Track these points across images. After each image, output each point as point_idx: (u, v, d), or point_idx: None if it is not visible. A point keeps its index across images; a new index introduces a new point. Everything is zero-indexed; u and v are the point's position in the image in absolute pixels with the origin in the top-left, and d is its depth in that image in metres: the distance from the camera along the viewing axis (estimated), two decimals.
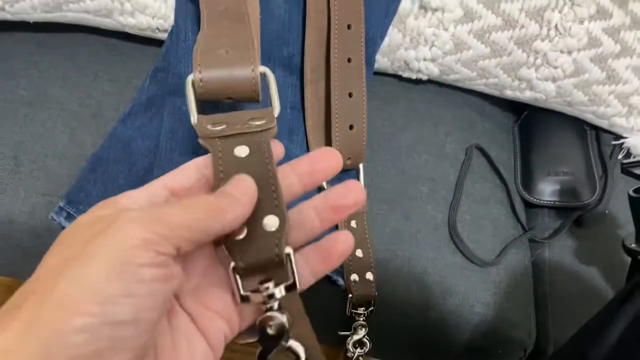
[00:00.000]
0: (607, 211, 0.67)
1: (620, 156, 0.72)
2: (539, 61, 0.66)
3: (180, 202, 0.29)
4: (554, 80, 0.67)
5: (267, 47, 0.59)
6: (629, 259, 0.59)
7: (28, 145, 0.56)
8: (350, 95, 0.58)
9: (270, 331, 0.30)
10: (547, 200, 0.68)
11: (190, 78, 0.41)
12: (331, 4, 0.57)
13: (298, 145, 0.60)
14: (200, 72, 0.41)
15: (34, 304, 0.24)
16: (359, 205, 0.34)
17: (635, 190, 0.56)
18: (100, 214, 0.28)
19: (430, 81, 0.71)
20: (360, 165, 0.59)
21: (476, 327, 0.57)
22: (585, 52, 0.65)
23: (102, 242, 0.25)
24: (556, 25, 0.64)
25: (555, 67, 0.66)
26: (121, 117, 0.59)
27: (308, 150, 0.60)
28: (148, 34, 0.61)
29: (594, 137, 0.73)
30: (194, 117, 0.38)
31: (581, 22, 0.64)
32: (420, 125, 0.67)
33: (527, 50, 0.65)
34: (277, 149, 0.36)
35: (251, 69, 0.42)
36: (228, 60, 0.42)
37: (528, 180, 0.70)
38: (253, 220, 0.30)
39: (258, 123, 0.36)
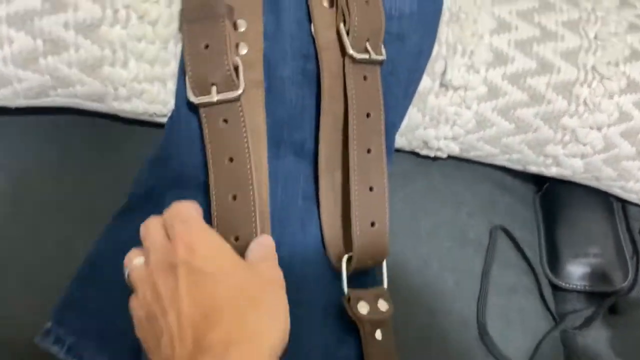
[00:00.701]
0: None
1: None
2: (567, 138, 0.61)
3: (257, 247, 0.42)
4: (582, 157, 0.63)
5: (276, 133, 0.54)
6: None
7: (6, 251, 0.50)
8: (371, 189, 0.52)
9: None
10: (577, 285, 0.64)
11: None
12: (348, 92, 0.52)
13: (312, 238, 0.55)
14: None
15: None
16: None
17: None
18: None
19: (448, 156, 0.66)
20: (384, 264, 0.53)
21: None
22: (616, 127, 0.61)
23: (275, 298, 0.37)
24: (585, 101, 0.60)
25: (584, 144, 0.61)
26: (117, 212, 0.53)
27: (323, 244, 0.54)
28: (145, 118, 0.56)
29: (620, 210, 0.69)
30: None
31: (611, 97, 0.60)
32: (440, 207, 0.63)
33: (554, 126, 0.61)
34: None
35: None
36: None
37: (555, 263, 0.65)
38: None
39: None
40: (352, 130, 0.52)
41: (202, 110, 0.51)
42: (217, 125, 0.51)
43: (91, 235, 0.52)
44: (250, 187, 0.49)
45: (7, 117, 0.57)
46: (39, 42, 0.49)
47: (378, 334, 0.51)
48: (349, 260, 0.52)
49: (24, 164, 0.55)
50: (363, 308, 0.50)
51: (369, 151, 0.52)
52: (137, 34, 0.50)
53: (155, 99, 0.53)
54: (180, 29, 0.51)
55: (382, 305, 0.50)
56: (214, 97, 0.50)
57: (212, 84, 0.50)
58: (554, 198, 0.70)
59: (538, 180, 0.73)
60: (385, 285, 0.52)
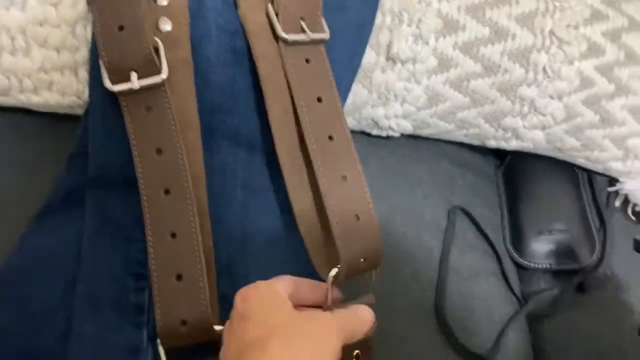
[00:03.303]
0: (609, 272, 0.59)
1: (617, 203, 0.65)
2: (525, 109, 0.57)
3: (350, 312, 0.41)
4: (543, 128, 0.59)
5: (207, 120, 0.49)
6: None
7: None
8: (344, 178, 0.47)
9: None
10: (542, 263, 0.60)
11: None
12: (290, 79, 0.47)
13: (255, 232, 0.50)
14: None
15: None
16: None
17: None
18: (294, 316, 0.36)
19: (402, 135, 0.62)
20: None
21: None
22: (577, 95, 0.57)
23: (313, 344, 0.34)
24: (544, 68, 0.56)
25: (544, 115, 0.57)
26: (36, 215, 0.48)
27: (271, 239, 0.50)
28: (62, 111, 0.50)
29: (586, 181, 0.65)
30: None
31: (571, 63, 0.56)
32: (394, 190, 0.58)
33: (511, 97, 0.57)
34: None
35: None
36: None
37: (518, 241, 0.61)
38: None
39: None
40: (304, 120, 0.46)
41: (121, 99, 0.45)
42: (140, 115, 0.45)
43: (4, 242, 0.47)
44: (185, 179, 0.44)
45: None
46: None
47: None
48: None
49: None
50: None
51: (330, 138, 0.47)
52: (37, 17, 0.44)
53: (66, 90, 0.48)
54: (89, 9, 0.46)
55: None
56: (135, 84, 0.44)
57: (131, 70, 0.44)
58: (516, 172, 0.66)
59: (499, 154, 0.69)
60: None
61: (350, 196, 0.46)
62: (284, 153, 0.48)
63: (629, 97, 0.58)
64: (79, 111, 0.50)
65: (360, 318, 0.41)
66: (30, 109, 0.50)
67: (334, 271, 0.43)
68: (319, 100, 0.48)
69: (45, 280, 0.45)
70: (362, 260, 0.45)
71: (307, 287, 0.42)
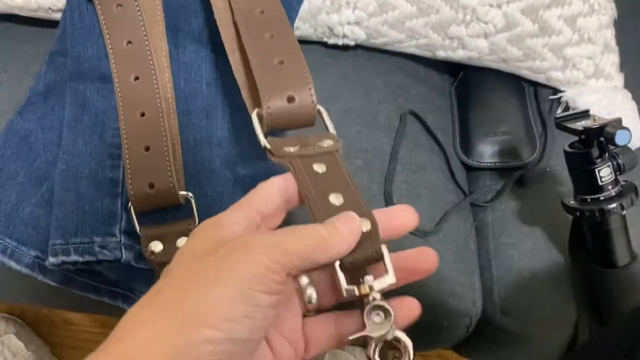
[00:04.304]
0: (548, 169, 0.65)
1: (558, 111, 0.70)
2: (468, 17, 0.63)
3: (294, 229, 0.31)
4: (485, 36, 0.64)
5: (172, 18, 0.54)
6: (571, 217, 0.57)
7: None
8: (281, 62, 0.48)
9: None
10: (487, 162, 0.66)
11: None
12: None
13: (218, 126, 0.56)
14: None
15: (162, 315, 0.27)
16: (430, 272, 0.35)
17: (570, 145, 0.54)
18: (219, 235, 0.31)
19: (359, 46, 0.67)
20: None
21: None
22: (515, 4, 0.62)
23: (231, 267, 0.28)
24: None
25: (485, 22, 0.63)
26: (18, 108, 0.54)
27: (233, 131, 0.55)
28: (42, 15, 0.56)
29: (532, 93, 0.71)
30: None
31: None
32: (351, 95, 0.64)
33: (455, 6, 0.62)
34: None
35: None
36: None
37: (466, 143, 0.67)
38: None
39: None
40: (243, 30, 0.50)
41: None
42: (112, 11, 0.51)
43: None
44: (151, 66, 0.50)
45: None
46: None
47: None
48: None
49: None
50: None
51: (272, 37, 0.51)
52: None
53: None
54: None
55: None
56: None
57: None
58: (468, 86, 0.72)
59: (453, 71, 0.74)
60: (332, 129, 0.44)
61: (286, 78, 0.46)
62: (227, 39, 0.52)
63: (565, 7, 0.64)
64: (58, 16, 0.56)
65: (309, 236, 0.31)
66: (15, 13, 0.56)
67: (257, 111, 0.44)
68: (262, 13, 0.51)
69: (28, 156, 0.51)
70: (287, 99, 0.45)
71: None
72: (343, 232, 0.32)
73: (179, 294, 0.28)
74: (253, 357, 0.31)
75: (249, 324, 0.28)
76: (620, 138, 0.46)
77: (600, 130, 0.48)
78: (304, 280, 0.33)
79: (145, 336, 0.27)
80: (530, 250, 0.60)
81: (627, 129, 0.46)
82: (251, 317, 0.28)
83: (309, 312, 0.34)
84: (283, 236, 0.30)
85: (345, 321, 0.34)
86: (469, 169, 0.68)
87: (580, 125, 0.51)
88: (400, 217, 0.35)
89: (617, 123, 0.47)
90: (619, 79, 0.68)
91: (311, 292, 0.33)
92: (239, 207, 0.33)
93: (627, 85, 0.69)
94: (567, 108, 0.70)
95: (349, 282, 0.33)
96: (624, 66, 0.69)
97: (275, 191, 0.35)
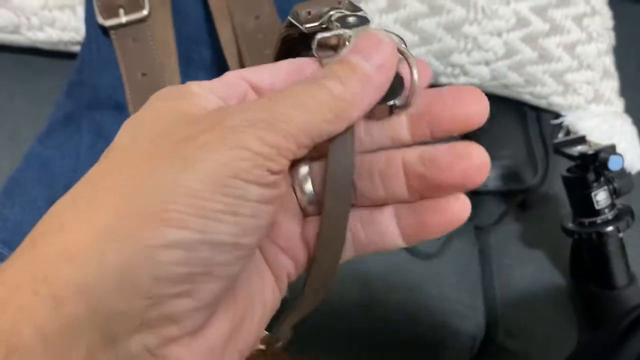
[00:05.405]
0: (551, 192, 0.66)
1: (560, 135, 0.72)
2: (469, 46, 0.65)
3: (292, 93, 0.21)
4: (487, 63, 0.66)
5: (185, 50, 0.57)
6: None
7: None
8: (257, 17, 0.55)
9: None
10: (490, 186, 0.68)
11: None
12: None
13: None
14: None
15: (106, 205, 0.19)
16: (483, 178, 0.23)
17: (568, 170, 0.56)
18: (184, 109, 0.21)
19: None
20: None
21: (423, 322, 0.56)
22: (515, 32, 0.65)
23: (205, 148, 0.19)
24: (483, 8, 0.63)
25: (486, 50, 0.65)
26: (38, 136, 0.57)
27: None
28: (62, 48, 0.59)
29: (534, 118, 0.73)
30: None
31: (507, 4, 0.64)
32: None
33: (456, 35, 0.64)
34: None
35: None
36: None
37: None
38: None
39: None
40: (241, 39, 0.54)
41: (112, 32, 0.54)
42: (127, 45, 0.54)
43: (17, 158, 0.55)
44: None
45: None
46: None
47: None
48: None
49: None
50: None
51: (257, 17, 0.54)
52: None
53: (66, 26, 0.56)
54: None
55: None
56: (122, 18, 0.53)
57: (119, 7, 0.53)
58: None
59: None
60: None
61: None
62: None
63: (563, 36, 0.66)
64: (76, 48, 0.59)
65: (318, 98, 0.21)
66: (37, 47, 0.59)
67: None
68: (257, 18, 0.54)
69: (48, 181, 0.54)
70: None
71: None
72: (366, 69, 0.21)
73: (128, 179, 0.19)
74: (241, 276, 0.22)
75: (234, 222, 0.19)
76: (613, 163, 0.47)
77: (595, 156, 0.49)
78: (304, 169, 0.24)
79: (86, 233, 0.18)
80: (532, 271, 0.62)
81: (619, 154, 0.48)
82: (236, 214, 0.19)
83: (307, 213, 0.25)
84: (278, 105, 0.20)
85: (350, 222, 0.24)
86: (471, 192, 0.69)
87: (576, 150, 0.52)
88: (464, 105, 0.23)
89: (611, 149, 0.49)
90: (619, 104, 0.70)
91: (311, 189, 0.25)
92: (213, 80, 0.23)
93: (628, 110, 0.71)
94: (568, 132, 0.71)
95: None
96: (624, 91, 0.71)
97: (280, 64, 0.24)
